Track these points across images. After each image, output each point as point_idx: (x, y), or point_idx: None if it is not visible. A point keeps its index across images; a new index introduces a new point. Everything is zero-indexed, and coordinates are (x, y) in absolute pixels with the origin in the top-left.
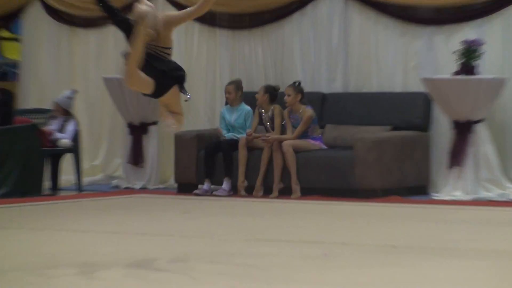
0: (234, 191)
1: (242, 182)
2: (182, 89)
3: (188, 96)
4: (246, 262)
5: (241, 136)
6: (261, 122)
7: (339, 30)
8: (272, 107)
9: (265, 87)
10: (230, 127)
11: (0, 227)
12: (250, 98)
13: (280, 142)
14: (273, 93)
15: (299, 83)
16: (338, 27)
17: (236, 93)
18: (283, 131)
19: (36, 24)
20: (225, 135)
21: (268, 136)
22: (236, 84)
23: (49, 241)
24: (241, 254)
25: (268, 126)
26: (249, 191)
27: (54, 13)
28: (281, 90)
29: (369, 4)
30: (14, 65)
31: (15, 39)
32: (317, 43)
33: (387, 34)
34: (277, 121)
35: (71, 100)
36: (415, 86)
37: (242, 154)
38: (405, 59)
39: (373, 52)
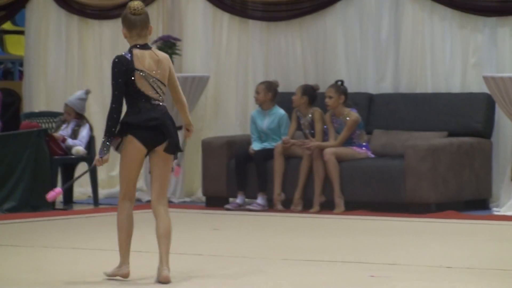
0: (269, 205)
1: (278, 195)
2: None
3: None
4: (283, 283)
5: (277, 143)
6: (299, 127)
7: (389, 21)
8: (311, 111)
9: (303, 87)
10: (263, 134)
11: (8, 244)
12: (287, 100)
13: (321, 149)
14: (312, 94)
15: (342, 83)
16: (388, 18)
17: (266, 94)
18: (324, 137)
19: (42, 14)
20: (254, 147)
21: (309, 143)
22: (268, 84)
23: (63, 260)
24: (278, 274)
25: (307, 132)
26: (287, 205)
27: (63, 2)
28: (322, 90)
29: None
30: (18, 62)
31: (19, 32)
32: (363, 36)
33: (444, 26)
34: (317, 126)
35: (84, 101)
36: (476, 86)
37: (278, 164)
38: (464, 55)
39: (428, 47)
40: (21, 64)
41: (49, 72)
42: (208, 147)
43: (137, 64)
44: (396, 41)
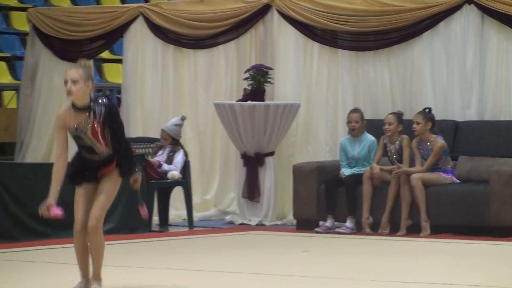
0: (358, 228)
1: (366, 218)
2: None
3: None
4: None
5: (365, 169)
6: (385, 153)
7: (474, 51)
8: (399, 138)
9: (398, 116)
10: (353, 161)
11: (106, 264)
12: (375, 127)
13: (408, 175)
14: (403, 122)
15: (430, 110)
16: (473, 47)
17: (362, 122)
18: (411, 163)
19: (139, 43)
20: (345, 172)
21: (399, 167)
22: (361, 113)
23: (158, 281)
24: None
25: (393, 159)
26: (375, 228)
27: (159, 32)
28: (409, 117)
29: (509, 21)
30: (116, 89)
31: (117, 61)
32: (449, 65)
33: None
34: (405, 152)
35: (180, 127)
36: None
37: (366, 188)
38: None
39: None
40: (119, 92)
41: (146, 99)
42: (299, 172)
43: None
44: (481, 70)
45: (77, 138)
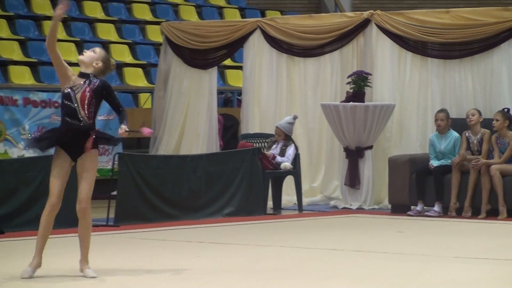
0: (444, 212)
1: (454, 203)
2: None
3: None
4: (454, 279)
5: (454, 159)
6: (468, 147)
7: None
8: (481, 131)
9: (478, 110)
10: (440, 154)
11: (227, 242)
12: (460, 125)
13: (488, 166)
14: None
15: (508, 110)
16: None
17: (447, 121)
18: (488, 155)
19: (257, 52)
20: (434, 164)
21: (478, 161)
22: (447, 112)
23: (272, 256)
24: (451, 270)
25: (475, 150)
26: (458, 212)
27: (274, 42)
28: (489, 116)
29: None
30: (237, 92)
31: (237, 67)
32: None
33: None
34: (485, 146)
35: (292, 125)
36: None
37: (455, 177)
38: None
39: None
40: (239, 94)
41: (262, 100)
42: (394, 163)
43: None
44: None
45: (67, 97)
